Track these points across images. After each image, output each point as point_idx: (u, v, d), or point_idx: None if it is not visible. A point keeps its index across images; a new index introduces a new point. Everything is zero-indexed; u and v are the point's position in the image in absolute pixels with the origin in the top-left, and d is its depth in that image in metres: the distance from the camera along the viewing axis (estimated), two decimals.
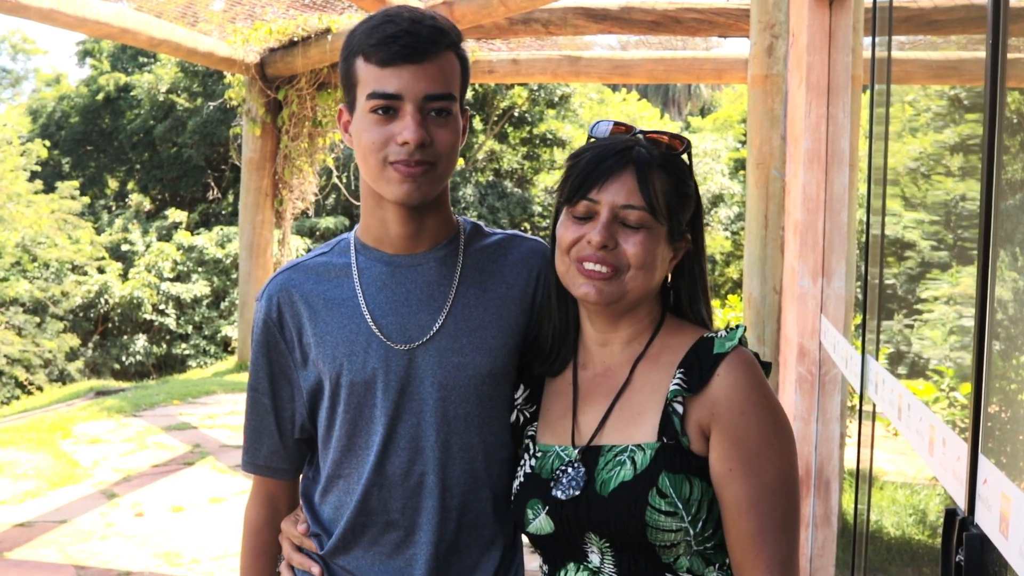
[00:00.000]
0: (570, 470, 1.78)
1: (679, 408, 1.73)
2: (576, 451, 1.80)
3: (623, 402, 1.81)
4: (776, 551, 1.68)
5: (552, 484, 1.80)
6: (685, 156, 1.85)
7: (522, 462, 1.90)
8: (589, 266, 1.76)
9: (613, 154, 1.78)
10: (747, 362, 1.74)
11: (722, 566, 1.75)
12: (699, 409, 1.72)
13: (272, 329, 1.99)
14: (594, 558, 1.76)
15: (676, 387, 1.74)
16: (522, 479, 1.87)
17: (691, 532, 1.70)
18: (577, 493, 1.75)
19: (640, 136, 1.84)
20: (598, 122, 1.88)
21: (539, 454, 1.86)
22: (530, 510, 1.82)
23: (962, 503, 1.74)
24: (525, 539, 2.07)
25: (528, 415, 1.95)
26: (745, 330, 1.81)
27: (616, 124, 1.87)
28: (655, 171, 1.77)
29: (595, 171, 1.77)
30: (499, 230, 2.10)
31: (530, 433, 1.93)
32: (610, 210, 1.75)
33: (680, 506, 1.69)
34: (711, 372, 1.73)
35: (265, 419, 2.04)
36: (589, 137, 1.88)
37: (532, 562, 2.14)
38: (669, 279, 1.89)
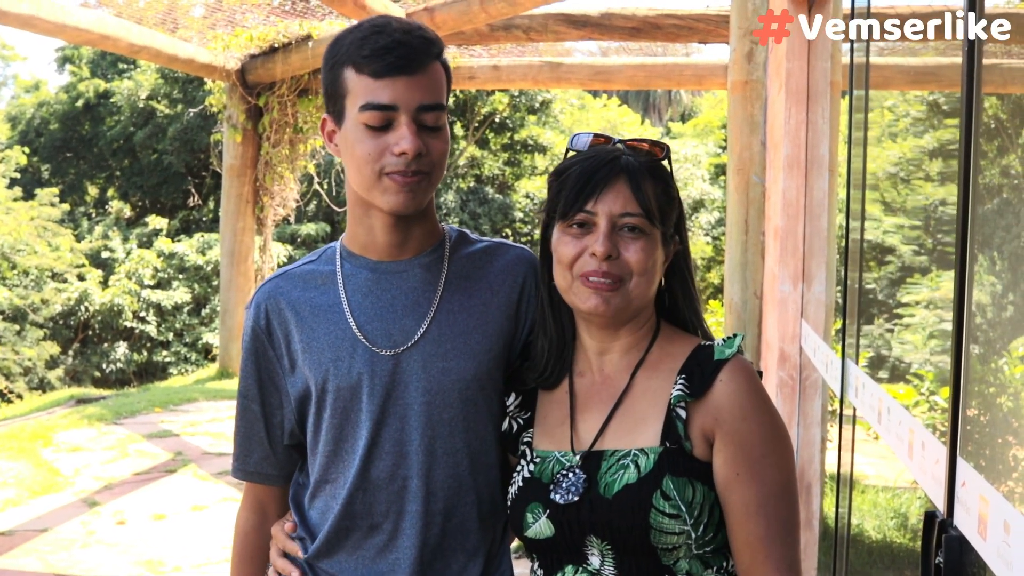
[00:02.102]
0: (571, 475, 1.79)
1: (682, 413, 1.75)
2: (577, 457, 1.81)
3: (624, 408, 1.82)
4: (784, 553, 1.70)
5: (552, 488, 1.81)
6: (665, 161, 1.87)
7: (519, 467, 1.90)
8: (595, 280, 1.77)
9: (603, 164, 1.79)
10: (746, 369, 1.77)
11: (719, 569, 1.76)
12: (702, 415, 1.74)
13: (260, 337, 2.00)
14: (594, 560, 1.77)
15: (679, 393, 1.75)
16: (520, 483, 1.87)
17: (693, 535, 1.71)
18: (576, 499, 1.76)
19: (622, 145, 1.86)
20: (577, 134, 1.90)
21: (538, 459, 1.87)
22: (530, 514, 1.82)
23: (941, 506, 1.76)
24: (514, 544, 2.07)
25: (522, 422, 1.96)
26: (743, 339, 1.83)
27: (595, 136, 1.89)
28: (645, 177, 1.80)
29: (588, 183, 1.78)
30: (485, 238, 2.12)
31: (526, 439, 1.93)
32: (608, 220, 1.77)
33: (683, 509, 1.70)
34: (712, 378, 1.75)
35: (255, 426, 2.05)
36: (568, 150, 1.89)
37: (518, 567, 2.14)
38: (663, 282, 1.91)
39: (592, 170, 1.79)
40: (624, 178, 1.78)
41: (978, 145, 1.71)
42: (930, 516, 1.75)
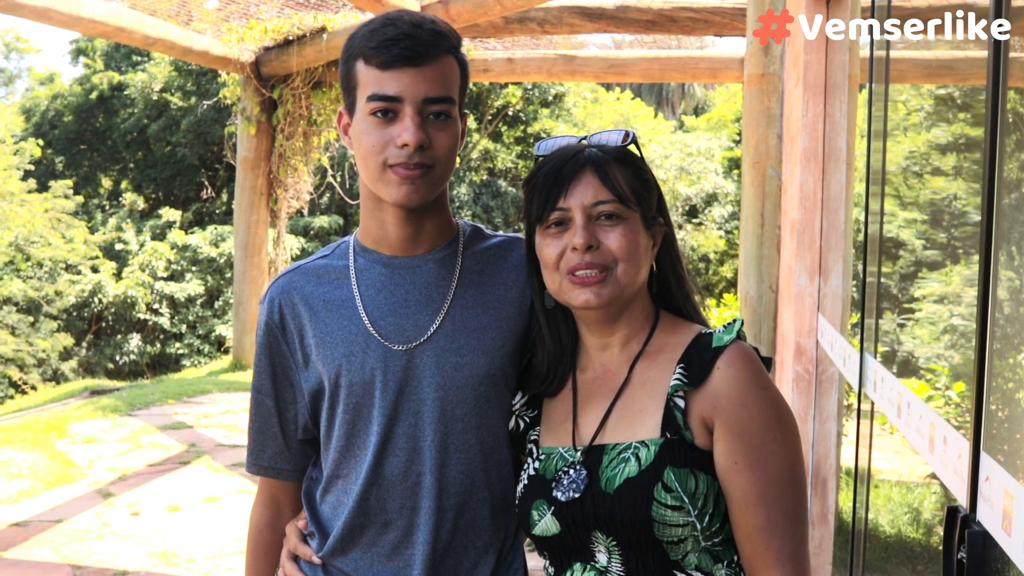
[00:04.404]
0: (572, 472, 1.79)
1: (680, 402, 1.73)
2: (579, 452, 1.81)
3: (623, 401, 1.82)
4: (786, 543, 1.68)
5: (554, 485, 1.80)
6: (634, 147, 1.87)
7: (525, 465, 1.91)
8: (581, 274, 1.77)
9: (567, 160, 1.81)
10: (746, 355, 1.75)
11: (730, 563, 1.74)
12: (701, 403, 1.73)
13: (274, 331, 2.00)
14: (601, 557, 1.76)
15: (677, 382, 1.74)
16: (526, 481, 1.87)
17: (698, 527, 1.70)
18: (577, 495, 1.75)
19: (586, 140, 1.88)
20: (542, 141, 1.92)
21: (543, 456, 1.87)
22: (535, 511, 1.82)
23: (964, 501, 1.74)
24: (527, 541, 2.07)
25: (528, 420, 1.96)
26: (743, 324, 1.82)
27: (560, 139, 1.92)
28: (612, 164, 1.81)
29: (555, 182, 1.80)
30: (500, 233, 2.11)
31: (532, 438, 1.93)
32: (583, 211, 1.78)
33: (686, 500, 1.69)
34: (711, 365, 1.73)
35: (269, 420, 2.05)
36: (537, 157, 1.91)
37: (531, 560, 2.14)
38: (654, 267, 1.90)
39: (558, 168, 1.81)
40: (590, 168, 1.79)
41: (1003, 140, 1.70)
42: (952, 511, 1.73)
